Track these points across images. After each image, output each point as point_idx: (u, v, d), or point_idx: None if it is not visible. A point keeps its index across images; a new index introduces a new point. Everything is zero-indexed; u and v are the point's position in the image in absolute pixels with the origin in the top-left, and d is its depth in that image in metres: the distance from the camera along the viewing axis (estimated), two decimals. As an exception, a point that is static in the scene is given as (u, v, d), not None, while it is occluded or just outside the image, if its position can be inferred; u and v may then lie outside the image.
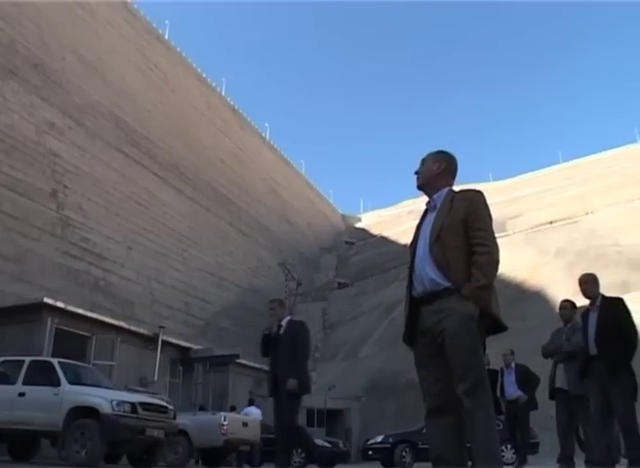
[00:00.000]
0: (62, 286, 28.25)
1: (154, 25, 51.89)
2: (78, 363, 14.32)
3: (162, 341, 23.70)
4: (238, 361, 27.29)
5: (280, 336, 7.85)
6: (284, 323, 7.92)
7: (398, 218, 71.63)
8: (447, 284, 3.55)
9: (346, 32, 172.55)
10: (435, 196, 3.90)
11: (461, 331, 3.44)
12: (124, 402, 11.10)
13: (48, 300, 19.50)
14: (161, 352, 23.52)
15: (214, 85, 58.88)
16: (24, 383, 11.90)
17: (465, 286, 3.50)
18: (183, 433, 14.71)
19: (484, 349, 3.60)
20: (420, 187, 4.01)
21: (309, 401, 39.79)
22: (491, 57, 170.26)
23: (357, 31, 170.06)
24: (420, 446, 16.65)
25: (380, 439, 18.44)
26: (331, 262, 70.29)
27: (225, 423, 15.35)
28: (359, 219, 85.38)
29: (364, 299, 54.98)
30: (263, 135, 66.46)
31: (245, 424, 16.22)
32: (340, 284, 63.25)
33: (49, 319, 19.22)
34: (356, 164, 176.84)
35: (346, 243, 75.82)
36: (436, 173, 3.94)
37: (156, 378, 22.76)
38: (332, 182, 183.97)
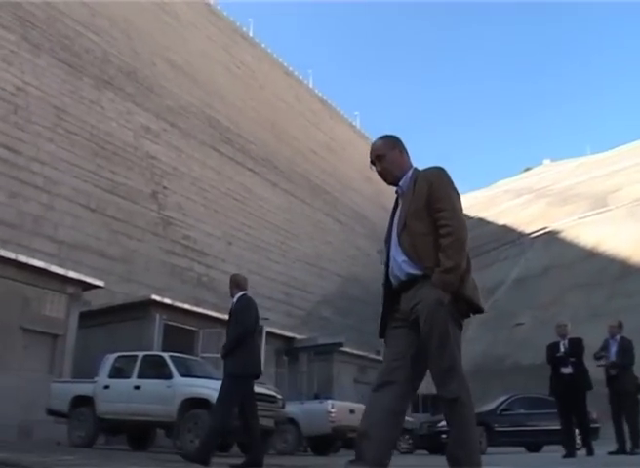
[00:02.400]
0: (168, 283, 29.20)
1: (238, 24, 52.68)
2: (188, 356, 14.80)
3: (266, 333, 24.13)
4: (342, 349, 27.50)
5: (230, 315, 7.59)
6: (235, 300, 7.62)
7: (494, 199, 70.33)
8: (419, 273, 3.40)
9: (430, 16, 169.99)
10: (401, 182, 3.66)
11: (430, 318, 3.30)
12: (234, 392, 11.38)
13: (156, 297, 20.28)
14: (266, 343, 23.96)
15: (301, 77, 59.27)
16: (139, 377, 12.40)
17: (434, 273, 3.34)
18: (292, 421, 14.92)
19: (460, 329, 3.45)
20: (393, 183, 3.70)
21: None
22: (583, 25, 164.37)
23: (441, 14, 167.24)
24: (497, 428, 15.88)
25: None
26: (429, 247, 69.68)
27: (333, 411, 15.42)
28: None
29: (463, 283, 54.23)
30: (354, 123, 66.46)
31: (352, 411, 16.22)
32: (438, 268, 62.63)
33: (157, 315, 19.99)
34: (448, 146, 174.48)
35: (444, 226, 75.08)
36: (400, 159, 3.69)
37: (263, 369, 23.18)
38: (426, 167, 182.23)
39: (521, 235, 55.90)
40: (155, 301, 20.30)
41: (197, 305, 24.17)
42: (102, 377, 12.88)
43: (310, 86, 60.77)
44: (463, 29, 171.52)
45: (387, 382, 3.41)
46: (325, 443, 16.19)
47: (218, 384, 11.78)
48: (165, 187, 33.54)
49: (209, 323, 21.88)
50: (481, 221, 66.11)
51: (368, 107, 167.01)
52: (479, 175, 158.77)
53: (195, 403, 11.27)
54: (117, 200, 29.57)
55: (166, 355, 12.67)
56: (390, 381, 3.41)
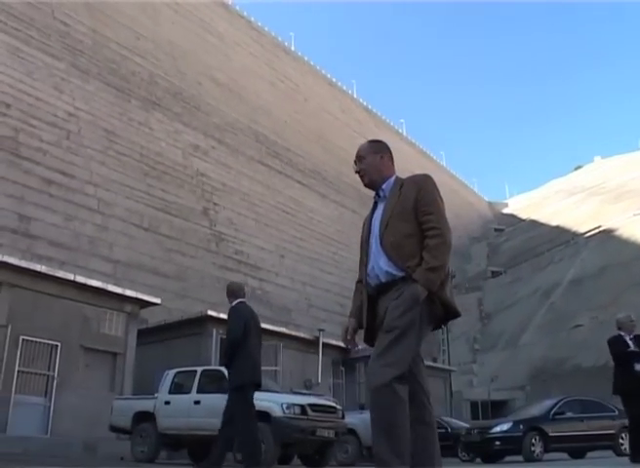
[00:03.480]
0: (222, 298, 29.21)
1: (280, 39, 53.08)
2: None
3: (322, 344, 24.12)
4: (398, 358, 27.30)
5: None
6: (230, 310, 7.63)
7: (546, 199, 69.36)
8: (401, 273, 3.36)
9: (471, 20, 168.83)
10: (384, 186, 3.69)
11: (400, 307, 3.25)
12: (294, 404, 11.35)
13: (211, 313, 20.47)
14: (322, 354, 23.94)
15: (345, 88, 59.41)
16: (198, 392, 12.47)
17: (417, 270, 3.31)
18: (352, 432, 14.84)
19: (425, 332, 3.36)
20: (368, 185, 3.77)
21: (472, 393, 39.22)
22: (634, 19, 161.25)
23: (481, 19, 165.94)
24: (551, 433, 14.69)
25: (506, 426, 15.71)
26: (481, 251, 68.97)
27: (394, 419, 15.30)
28: (506, 205, 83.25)
29: (519, 286, 53.54)
30: (400, 131, 66.31)
31: (412, 420, 16.06)
32: (493, 272, 61.93)
33: (214, 330, 20.16)
34: (497, 149, 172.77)
35: (495, 230, 74.13)
36: (380, 164, 3.76)
37: (320, 380, 23.17)
38: (474, 170, 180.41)
39: (575, 235, 54.97)
40: (211, 316, 20.48)
41: (249, 319, 24.26)
42: (163, 393, 13.01)
43: (355, 96, 60.88)
44: (508, 30, 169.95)
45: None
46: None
47: (277, 396, 11.89)
48: (215, 204, 33.92)
49: (264, 336, 21.87)
50: (534, 223, 65.24)
51: (413, 114, 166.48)
52: (529, 177, 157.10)
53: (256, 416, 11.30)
54: (169, 218, 30.02)
55: (224, 369, 12.75)
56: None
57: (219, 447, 7.50)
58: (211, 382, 12.63)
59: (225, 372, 12.28)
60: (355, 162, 3.81)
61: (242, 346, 7.47)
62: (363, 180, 3.78)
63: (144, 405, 13.26)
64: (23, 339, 16.90)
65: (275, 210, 38.52)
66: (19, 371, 16.67)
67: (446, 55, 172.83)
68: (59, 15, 32.60)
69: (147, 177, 31.29)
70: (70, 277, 18.08)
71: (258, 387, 7.64)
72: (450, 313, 3.44)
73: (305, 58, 56.19)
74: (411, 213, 3.43)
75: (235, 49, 45.60)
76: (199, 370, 13.29)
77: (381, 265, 3.44)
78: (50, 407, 17.27)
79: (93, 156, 29.18)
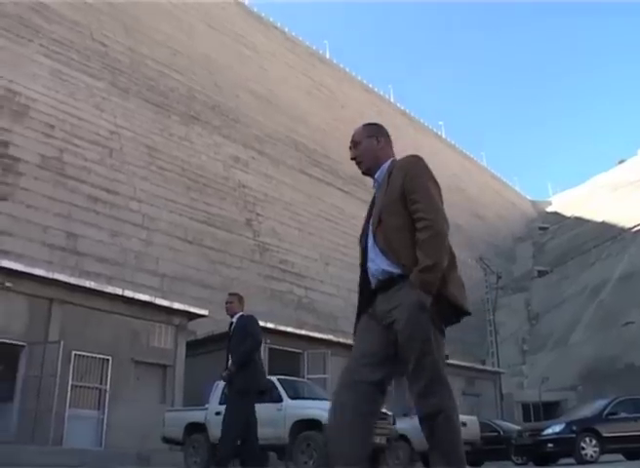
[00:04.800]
0: (268, 307, 29.58)
1: (314, 48, 53.31)
2: (296, 378, 14.93)
3: (370, 350, 24.05)
4: (447, 361, 27.09)
5: (231, 334, 7.44)
6: (235, 319, 7.52)
7: (590, 196, 68.26)
8: (397, 271, 3.09)
9: (505, 17, 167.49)
10: (377, 174, 3.40)
11: (410, 324, 2.99)
12: (343, 412, 11.38)
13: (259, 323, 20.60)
14: (370, 360, 23.87)
15: (381, 93, 59.37)
16: (250, 402, 12.58)
17: (412, 272, 3.02)
18: (403, 437, 14.78)
19: (443, 335, 3.13)
20: (365, 172, 3.48)
21: (523, 395, 38.72)
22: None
23: (516, 15, 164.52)
24: (605, 434, 14.22)
25: (559, 428, 15.16)
26: (527, 251, 68.12)
27: (444, 424, 15.19)
28: (549, 203, 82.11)
29: (567, 284, 52.75)
30: (439, 133, 65.99)
31: (464, 424, 15.92)
32: (539, 272, 61.09)
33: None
34: (538, 147, 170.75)
35: (540, 229, 73.10)
36: (378, 149, 3.47)
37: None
38: (516, 170, 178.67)
39: (622, 230, 53.94)
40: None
41: (299, 327, 24.42)
42: (214, 404, 13.11)
43: (391, 100, 60.78)
44: (545, 24, 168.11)
45: (354, 382, 3.10)
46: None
47: (327, 404, 11.90)
48: (258, 214, 34.16)
49: (312, 344, 22.04)
50: (579, 220, 64.21)
51: (452, 116, 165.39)
52: (572, 173, 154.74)
53: (306, 424, 11.31)
54: (213, 230, 30.32)
55: (274, 378, 12.79)
56: (357, 381, 3.09)
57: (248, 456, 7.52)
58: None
59: (276, 382, 12.42)
60: (350, 148, 3.56)
61: (257, 353, 7.59)
62: (360, 168, 3.52)
63: (196, 416, 13.40)
64: (76, 354, 17.25)
65: (318, 218, 38.64)
66: (72, 386, 17.03)
67: (481, 54, 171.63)
68: (97, 36, 33.24)
69: (190, 191, 31.67)
70: (119, 292, 18.42)
71: (262, 394, 7.57)
72: (457, 311, 3.15)
73: (341, 66, 56.35)
74: (398, 203, 3.15)
75: (270, 60, 45.93)
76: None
77: (378, 263, 3.18)
78: (103, 419, 17.58)
79: (136, 172, 29.64)
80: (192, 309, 20.13)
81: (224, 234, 31.12)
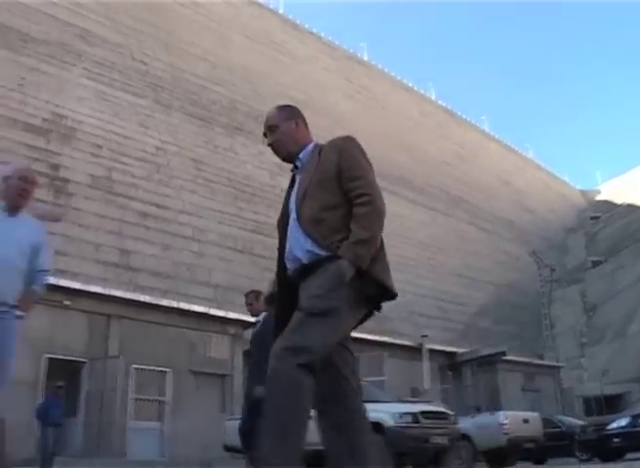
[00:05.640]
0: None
1: (352, 51, 53.32)
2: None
3: (428, 350, 23.95)
4: (505, 358, 26.83)
5: (257, 334, 6.86)
6: (261, 318, 6.98)
7: (638, 181, 66.75)
8: (325, 252, 2.83)
9: (546, 13, 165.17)
10: (301, 155, 3.19)
11: (321, 287, 2.73)
12: (405, 413, 11.28)
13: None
14: (428, 360, 23.77)
15: (422, 91, 59.08)
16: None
17: (343, 244, 2.80)
18: (466, 437, 14.62)
19: (356, 317, 2.88)
20: (285, 157, 3.26)
21: (584, 389, 37.99)
22: None
23: (556, 10, 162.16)
24: None
25: (624, 422, 14.45)
26: (579, 242, 66.85)
27: (506, 422, 14.99)
28: (599, 192, 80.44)
29: (622, 274, 51.63)
30: (483, 128, 65.36)
31: (526, 421, 15.71)
32: (593, 262, 59.86)
33: (317, 345, 20.33)
34: (583, 136, 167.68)
35: (591, 218, 71.62)
36: (296, 131, 3.25)
37: (427, 386, 22.99)
38: (563, 160, 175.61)
39: (678, 214, 52.68)
40: (314, 331, 20.73)
41: (354, 331, 24.36)
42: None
43: (433, 98, 60.42)
44: (580, 12, 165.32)
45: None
46: (501, 456, 15.66)
47: (388, 406, 11.84)
48: (305, 219, 34.34)
49: (368, 347, 22.01)
50: (630, 207, 62.79)
51: (495, 109, 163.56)
52: (620, 160, 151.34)
53: (368, 427, 11.27)
54: (262, 238, 30.49)
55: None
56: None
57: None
58: (320, 397, 12.67)
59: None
60: (265, 134, 3.30)
61: None
62: (278, 154, 3.28)
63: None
64: (135, 368, 17.56)
65: (365, 220, 38.67)
66: (133, 399, 17.33)
67: (521, 45, 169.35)
68: (137, 55, 33.80)
69: (237, 201, 31.96)
70: (174, 305, 18.70)
71: None
72: (385, 293, 2.92)
73: (379, 67, 56.21)
74: (332, 180, 2.96)
75: (309, 65, 46.10)
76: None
77: (302, 244, 2.92)
78: (164, 430, 17.83)
79: (183, 186, 30.02)
80: (247, 318, 20.27)
81: (273, 241, 31.03)
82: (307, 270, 2.89)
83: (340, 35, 54.48)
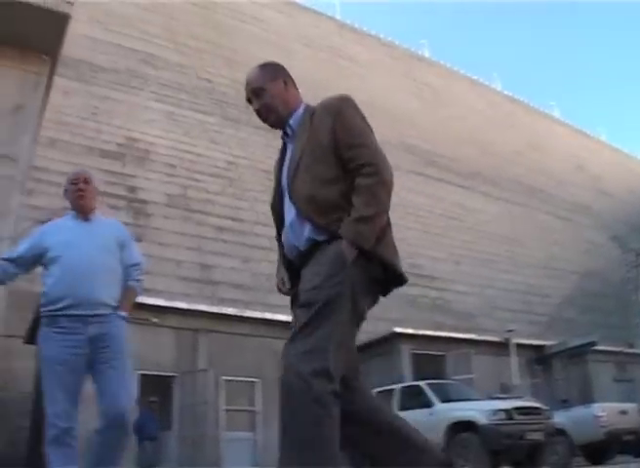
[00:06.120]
0: (404, 313, 29.54)
1: (413, 49, 53.08)
2: (444, 381, 14.85)
3: (514, 344, 23.60)
4: (595, 348, 26.17)
5: None
6: None
7: None
8: (324, 237, 2.47)
9: None
10: (291, 121, 2.76)
11: (321, 274, 2.39)
12: (498, 410, 11.20)
13: (399, 329, 20.68)
14: (516, 355, 23.42)
15: (487, 83, 58.30)
16: (400, 409, 12.60)
17: (344, 223, 2.42)
18: (561, 432, 14.35)
19: (362, 306, 2.50)
20: (275, 123, 2.83)
21: None
22: None
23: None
24: None
25: None
26: (667, 223, 64.61)
27: (603, 414, 14.63)
28: (678, 167, 77.52)
29: None
30: (552, 113, 63.98)
31: (624, 412, 15.25)
32: (684, 242, 57.63)
33: (403, 346, 20.35)
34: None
35: (675, 196, 68.99)
36: (285, 92, 2.82)
37: (517, 382, 22.65)
38: (636, 138, 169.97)
39: None
40: (399, 333, 20.73)
41: (437, 329, 24.26)
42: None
43: (499, 89, 59.48)
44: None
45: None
46: (599, 450, 15.23)
47: (479, 404, 11.77)
48: (383, 221, 34.39)
49: (454, 345, 21.85)
50: None
51: (564, 95, 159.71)
52: None
53: (460, 427, 11.22)
54: (340, 245, 30.69)
55: (423, 384, 12.79)
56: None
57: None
58: (411, 399, 12.72)
59: (424, 387, 12.42)
60: (250, 99, 2.86)
61: None
62: (267, 121, 2.84)
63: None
64: (225, 380, 17.90)
65: (441, 218, 38.32)
66: (224, 410, 17.69)
67: (589, 27, 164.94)
68: (202, 74, 34.51)
69: (310, 208, 32.28)
70: (259, 315, 18.97)
71: None
72: (393, 278, 2.61)
73: (441, 62, 55.72)
74: (328, 149, 2.55)
75: (370, 68, 46.07)
76: (397, 387, 13.45)
77: (297, 229, 2.57)
78: (257, 440, 18.12)
79: (257, 197, 30.43)
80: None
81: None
82: (306, 257, 2.55)
83: (399, 35, 54.33)
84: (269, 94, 2.79)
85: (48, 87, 10.22)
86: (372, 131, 2.71)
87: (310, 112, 2.75)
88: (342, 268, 2.35)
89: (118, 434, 3.95)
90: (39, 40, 8.34)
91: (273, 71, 2.89)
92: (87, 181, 4.58)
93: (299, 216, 2.55)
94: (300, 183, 2.55)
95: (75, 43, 29.31)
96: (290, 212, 2.62)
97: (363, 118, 2.71)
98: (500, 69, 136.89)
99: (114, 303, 4.22)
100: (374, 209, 2.42)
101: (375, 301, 2.67)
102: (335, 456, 2.28)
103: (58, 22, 8.88)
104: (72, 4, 9.02)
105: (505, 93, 59.76)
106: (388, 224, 2.62)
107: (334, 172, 2.52)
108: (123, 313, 4.28)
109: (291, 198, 2.59)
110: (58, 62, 10.05)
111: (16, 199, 8.96)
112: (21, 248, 4.38)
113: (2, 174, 8.79)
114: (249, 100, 2.87)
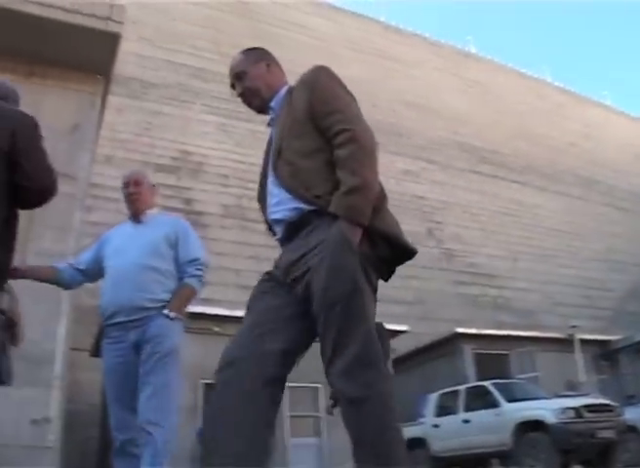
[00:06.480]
0: (465, 313, 29.29)
1: (459, 46, 52.68)
2: (509, 380, 14.67)
3: (578, 340, 23.16)
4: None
5: None
6: None
7: None
8: (309, 206, 2.30)
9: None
10: (273, 103, 2.67)
11: (330, 271, 2.14)
12: (567, 408, 11.02)
13: (461, 330, 20.51)
14: (580, 351, 22.97)
15: (536, 75, 57.48)
16: (466, 410, 12.49)
17: (333, 197, 2.23)
18: (633, 429, 14.02)
19: (374, 288, 2.26)
20: (260, 108, 2.73)
21: None
22: None
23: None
24: None
25: None
26: None
27: (677, 409, 14.27)
28: None
29: None
30: (606, 103, 62.70)
31: None
32: None
33: (466, 346, 20.15)
34: None
35: None
36: (268, 74, 2.71)
37: (583, 379, 22.21)
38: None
39: None
40: (461, 333, 20.55)
41: (500, 328, 23.97)
42: (430, 417, 13.20)
43: (549, 80, 58.56)
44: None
45: (239, 359, 2.24)
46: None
47: (547, 403, 11.57)
48: (438, 222, 34.09)
49: (517, 343, 21.55)
50: None
51: (617, 82, 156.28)
52: None
53: (529, 426, 11.06)
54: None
55: (488, 384, 12.65)
56: (245, 357, 2.24)
57: None
58: (476, 399, 12.62)
59: (490, 387, 12.27)
60: (233, 85, 2.75)
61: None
62: (252, 105, 2.74)
63: (415, 431, 13.53)
64: (288, 387, 18.02)
65: (497, 215, 37.88)
66: (288, 416, 17.80)
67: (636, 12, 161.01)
68: (250, 84, 34.92)
69: (369, 213, 32.30)
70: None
71: None
72: (399, 251, 2.34)
73: (488, 57, 55.14)
74: (306, 122, 2.42)
75: (417, 68, 45.87)
76: (462, 388, 13.36)
77: (283, 204, 2.41)
78: (322, 446, 18.16)
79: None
80: (392, 326, 20.37)
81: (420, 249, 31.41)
82: (291, 230, 2.40)
83: (444, 33, 53.90)
84: (250, 76, 2.68)
85: (102, 105, 10.46)
86: (352, 97, 2.53)
87: (290, 90, 2.64)
88: (350, 255, 2.13)
89: (147, 451, 3.75)
90: (92, 61, 8.57)
91: (255, 55, 2.76)
92: (137, 183, 4.54)
93: (284, 192, 2.40)
94: (283, 163, 2.43)
95: (126, 61, 29.96)
96: (275, 189, 2.47)
97: (341, 84, 2.55)
98: (550, 60, 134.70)
99: (157, 304, 4.07)
100: (360, 178, 2.22)
101: (384, 279, 2.41)
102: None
103: (109, 43, 9.10)
104: (122, 23, 9.22)
105: (556, 84, 58.82)
106: (382, 194, 2.43)
107: (315, 143, 2.38)
108: (167, 311, 4.04)
109: (277, 179, 2.45)
110: (111, 81, 10.27)
111: (77, 216, 9.20)
112: (87, 256, 4.44)
113: (63, 192, 8.97)
114: (232, 86, 2.75)
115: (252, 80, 2.66)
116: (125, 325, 4.01)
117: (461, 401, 12.69)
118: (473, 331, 21.07)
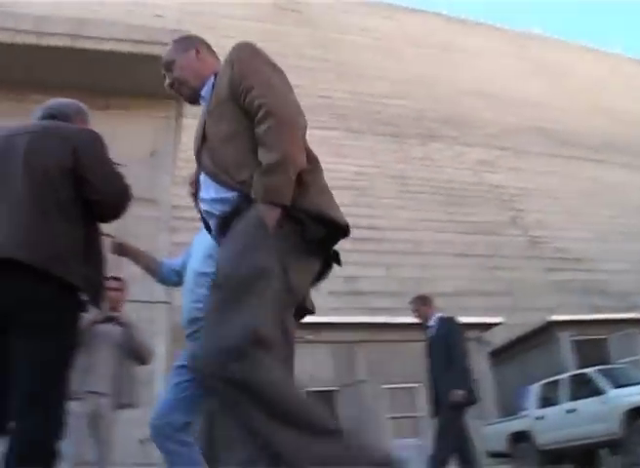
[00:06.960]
0: (556, 300, 28.65)
1: (522, 29, 51.81)
2: (613, 366, 14.24)
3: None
4: None
5: (432, 340, 6.80)
6: (433, 322, 6.89)
7: None
8: (232, 193, 2.12)
9: None
10: (203, 91, 2.46)
11: (231, 243, 2.03)
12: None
13: (556, 317, 20.07)
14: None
15: (606, 49, 55.91)
16: (570, 400, 12.15)
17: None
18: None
19: (314, 272, 2.17)
20: (191, 98, 2.53)
21: None
22: None
23: None
24: None
25: None
26: None
27: None
28: None
29: None
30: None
31: None
32: None
33: (562, 334, 19.70)
34: None
35: None
36: (197, 62, 2.51)
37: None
38: None
39: None
40: (556, 321, 20.10)
41: (595, 312, 23.31)
42: (533, 409, 12.91)
43: (621, 52, 56.87)
44: None
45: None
46: None
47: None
48: (519, 210, 33.50)
49: (615, 327, 20.89)
50: None
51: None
52: None
53: (639, 413, 10.65)
54: (481, 238, 30.21)
55: (591, 370, 12.25)
56: None
57: None
58: (580, 387, 12.24)
59: (594, 374, 11.89)
60: (165, 75, 2.59)
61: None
62: (182, 95, 2.55)
63: (519, 424, 13.25)
64: (385, 388, 17.99)
65: (579, 196, 36.92)
66: (388, 418, 17.78)
67: None
68: (313, 91, 35.07)
69: (447, 206, 31.95)
70: (410, 320, 18.93)
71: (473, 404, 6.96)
72: (332, 229, 2.13)
73: (555, 37, 53.93)
74: (228, 104, 2.22)
75: (482, 55, 45.33)
76: (564, 377, 13.00)
77: (210, 194, 2.22)
78: (422, 445, 18.06)
79: (390, 203, 30.52)
80: (486, 319, 20.11)
81: (493, 238, 30.86)
82: (223, 225, 2.21)
83: (507, 18, 52.77)
84: (178, 66, 2.51)
85: (177, 129, 10.73)
86: (274, 69, 2.29)
87: (217, 74, 2.42)
88: (264, 237, 1.97)
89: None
90: (162, 86, 8.83)
91: (185, 43, 2.59)
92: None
93: (208, 181, 2.23)
94: (205, 150, 2.25)
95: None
96: (202, 180, 2.29)
97: (261, 58, 2.30)
98: (620, 32, 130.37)
99: None
100: (278, 152, 2.02)
101: (325, 269, 2.29)
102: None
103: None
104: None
105: (628, 56, 57.07)
106: (316, 168, 2.23)
107: (236, 125, 2.19)
108: None
109: (200, 166, 2.28)
110: (183, 104, 10.53)
111: (162, 239, 9.47)
112: (179, 259, 4.26)
113: (148, 216, 9.31)
114: (165, 77, 2.60)
115: (180, 69, 2.50)
116: (188, 338, 3.87)
117: (564, 390, 12.31)
118: (568, 317, 20.57)
